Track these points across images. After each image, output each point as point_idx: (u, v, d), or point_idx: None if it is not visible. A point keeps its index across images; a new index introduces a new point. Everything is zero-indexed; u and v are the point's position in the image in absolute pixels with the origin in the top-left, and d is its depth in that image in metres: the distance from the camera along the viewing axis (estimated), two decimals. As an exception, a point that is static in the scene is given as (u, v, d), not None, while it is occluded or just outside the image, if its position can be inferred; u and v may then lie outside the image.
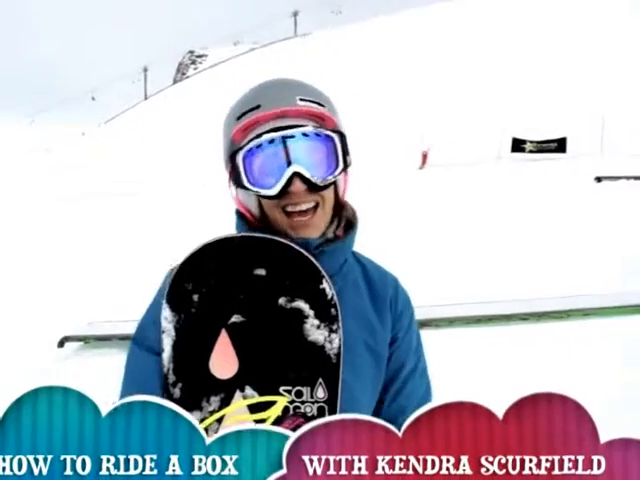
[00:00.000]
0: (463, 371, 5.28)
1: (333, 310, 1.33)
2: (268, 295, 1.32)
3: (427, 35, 51.04)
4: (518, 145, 27.47)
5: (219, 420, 1.29)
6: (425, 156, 26.24)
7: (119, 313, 6.59)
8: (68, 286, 9.21)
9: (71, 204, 19.02)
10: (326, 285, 1.33)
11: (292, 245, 1.32)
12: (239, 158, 1.34)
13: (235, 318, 1.32)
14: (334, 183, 1.39)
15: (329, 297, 1.33)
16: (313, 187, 1.32)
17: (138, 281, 6.07)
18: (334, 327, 1.32)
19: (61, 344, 6.82)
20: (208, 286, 1.33)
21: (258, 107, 1.34)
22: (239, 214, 1.45)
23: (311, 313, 1.32)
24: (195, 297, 1.33)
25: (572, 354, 5.54)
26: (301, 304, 1.32)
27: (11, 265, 10.76)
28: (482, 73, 42.71)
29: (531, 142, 27.40)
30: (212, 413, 1.30)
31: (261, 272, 1.33)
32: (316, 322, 1.32)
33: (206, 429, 1.27)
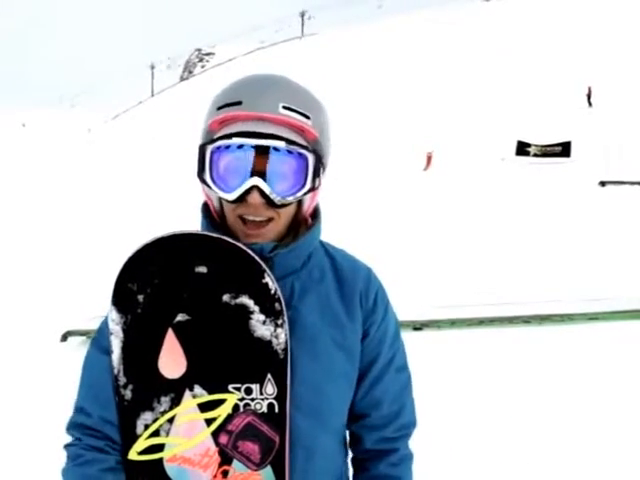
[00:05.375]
0: (465, 373, 5.28)
1: (277, 305, 1.31)
2: (212, 292, 1.31)
3: (434, 38, 50.95)
4: (522, 148, 27.40)
5: (170, 420, 1.29)
6: (430, 158, 26.20)
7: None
8: (71, 280, 9.24)
9: (77, 198, 19.06)
10: (268, 280, 1.31)
11: (230, 241, 1.30)
12: (207, 152, 1.31)
13: (181, 317, 1.31)
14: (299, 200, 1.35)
15: (272, 292, 1.31)
16: (271, 203, 1.29)
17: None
18: (279, 322, 1.31)
19: (64, 338, 6.84)
20: (152, 286, 1.32)
21: (239, 103, 1.30)
22: (204, 205, 1.43)
23: (256, 309, 1.30)
24: (140, 297, 1.32)
25: (575, 358, 5.53)
26: (245, 300, 1.31)
27: (15, 260, 10.79)
28: (488, 76, 42.65)
29: (536, 146, 27.35)
30: (163, 413, 1.30)
31: (202, 269, 1.31)
32: (261, 317, 1.30)
33: (158, 430, 1.29)
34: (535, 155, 27.00)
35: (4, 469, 4.02)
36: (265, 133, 1.28)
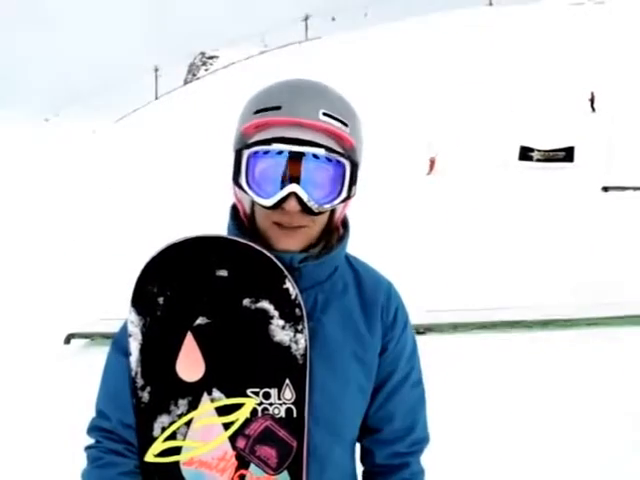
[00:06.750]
0: (467, 377, 5.29)
1: (298, 310, 1.30)
2: (232, 296, 1.30)
3: (436, 43, 50.97)
4: (526, 153, 27.32)
5: (187, 423, 1.29)
6: (433, 162, 26.19)
7: (125, 310, 6.62)
8: (74, 283, 9.25)
9: (81, 200, 19.08)
10: (289, 285, 1.30)
11: (252, 245, 1.29)
12: (244, 156, 1.29)
13: (200, 320, 1.30)
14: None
15: (293, 297, 1.30)
16: (308, 210, 1.28)
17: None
18: (299, 327, 1.30)
19: (67, 341, 6.86)
20: (172, 288, 1.31)
21: (278, 108, 1.28)
22: (233, 209, 1.42)
23: (276, 314, 1.30)
24: (160, 300, 1.32)
25: (577, 363, 5.53)
26: (266, 304, 1.30)
27: (19, 262, 10.81)
28: (491, 81, 42.64)
29: (539, 151, 27.29)
30: (180, 416, 1.30)
31: (223, 273, 1.31)
32: (281, 322, 1.30)
33: (175, 432, 1.30)
34: (538, 160, 26.91)
35: (7, 471, 4.04)
36: (305, 140, 1.26)
